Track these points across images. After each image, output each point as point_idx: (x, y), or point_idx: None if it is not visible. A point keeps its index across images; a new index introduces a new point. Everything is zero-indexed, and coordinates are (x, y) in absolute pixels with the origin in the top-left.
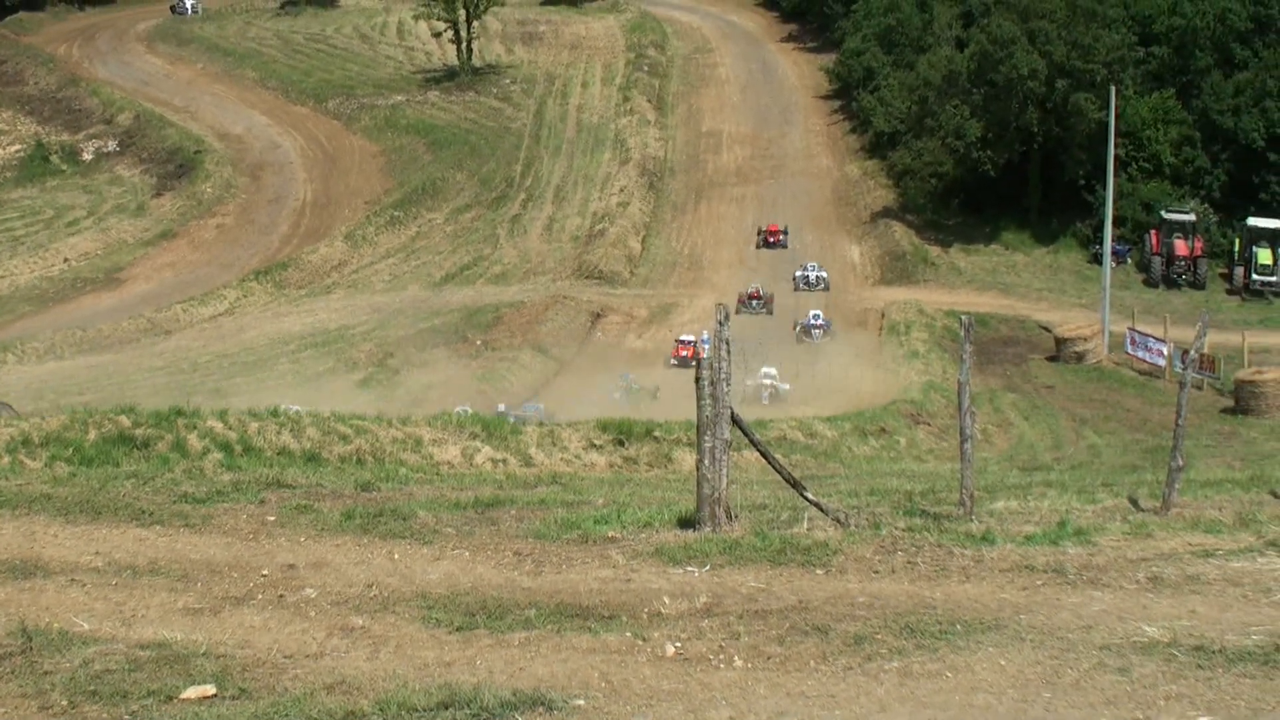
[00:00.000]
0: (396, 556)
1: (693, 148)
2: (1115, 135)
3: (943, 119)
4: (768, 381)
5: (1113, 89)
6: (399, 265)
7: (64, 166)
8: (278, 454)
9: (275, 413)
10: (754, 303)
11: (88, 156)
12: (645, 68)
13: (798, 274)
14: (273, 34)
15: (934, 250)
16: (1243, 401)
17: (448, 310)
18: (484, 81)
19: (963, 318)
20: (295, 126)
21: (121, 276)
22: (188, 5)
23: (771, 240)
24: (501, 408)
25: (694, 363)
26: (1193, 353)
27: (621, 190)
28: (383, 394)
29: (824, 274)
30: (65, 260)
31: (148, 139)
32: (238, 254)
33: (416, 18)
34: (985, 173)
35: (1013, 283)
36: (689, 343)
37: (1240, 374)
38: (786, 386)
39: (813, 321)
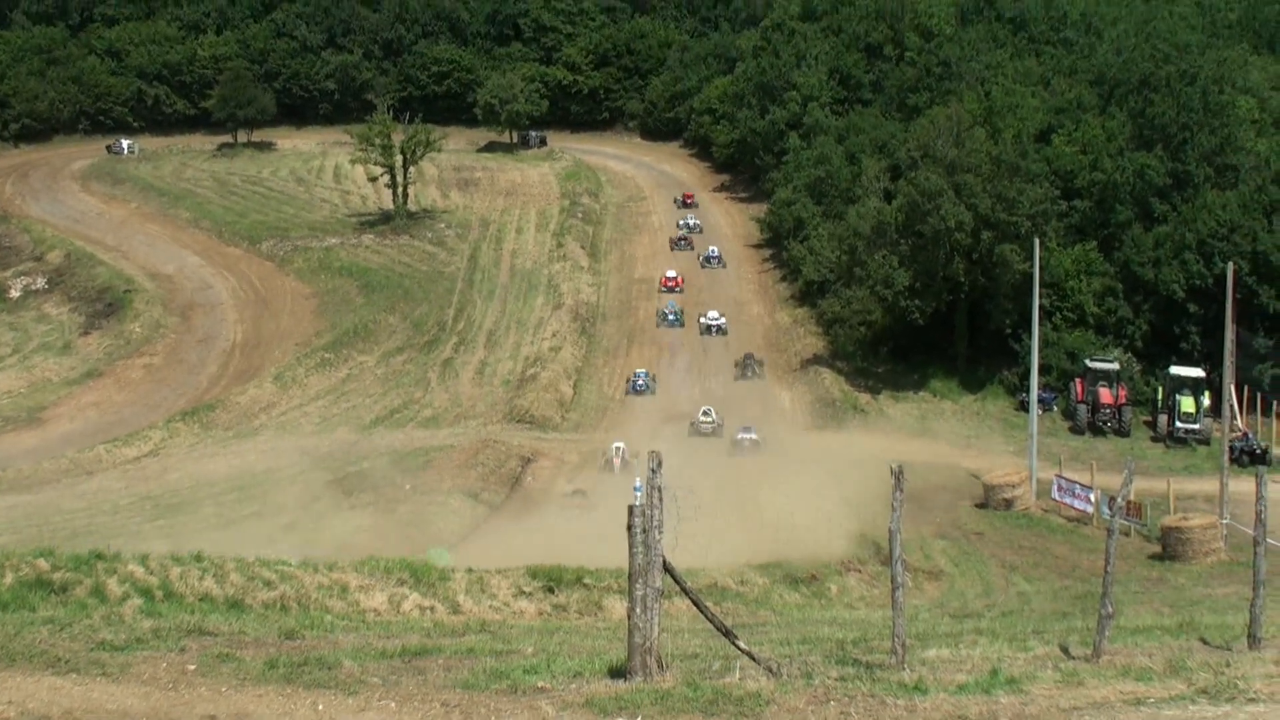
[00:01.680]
0: (320, 708)
1: (625, 294)
2: (1040, 285)
3: (872, 268)
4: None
5: (1036, 241)
6: (329, 407)
7: None
8: (199, 600)
9: (198, 558)
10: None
11: (15, 294)
12: (579, 215)
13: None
14: (209, 175)
15: (864, 397)
16: (1169, 547)
17: (377, 454)
18: (419, 226)
19: (893, 465)
20: (228, 267)
21: (44, 416)
22: (124, 145)
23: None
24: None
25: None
26: (1119, 499)
27: (554, 335)
28: (309, 539)
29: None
30: None
31: (77, 277)
32: (165, 394)
33: (353, 162)
34: (914, 321)
35: (941, 429)
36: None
37: (1166, 520)
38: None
39: (743, 434)
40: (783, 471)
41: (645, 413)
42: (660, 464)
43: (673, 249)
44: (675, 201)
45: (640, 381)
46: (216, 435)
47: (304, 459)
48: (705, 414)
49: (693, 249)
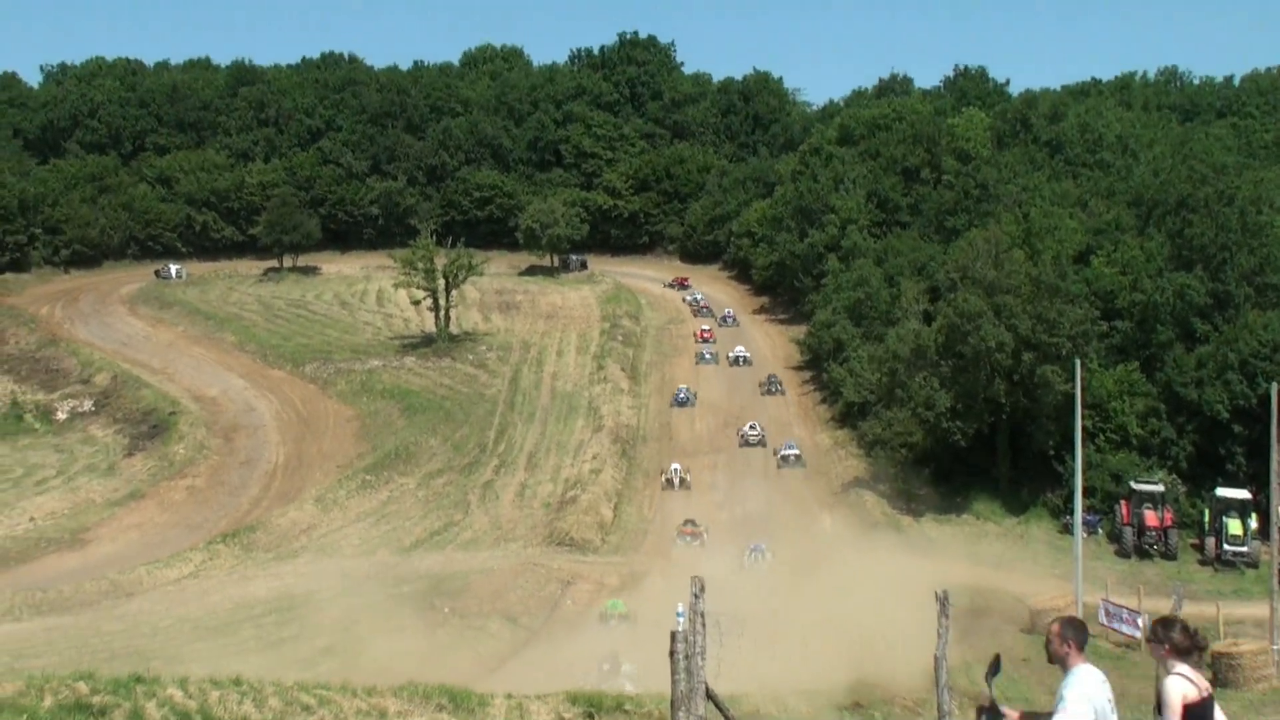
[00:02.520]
0: None
1: (665, 416)
2: (1082, 407)
3: (912, 390)
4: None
5: (1078, 362)
6: (369, 530)
7: (37, 425)
8: None
9: (237, 681)
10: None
11: (62, 416)
12: (619, 337)
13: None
14: (254, 299)
15: (906, 519)
16: (1220, 674)
17: (416, 577)
18: (461, 348)
19: (938, 591)
20: (272, 389)
21: (87, 537)
22: (172, 270)
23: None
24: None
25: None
26: None
27: (594, 457)
28: (348, 662)
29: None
30: (31, 519)
31: (123, 399)
32: (206, 516)
33: (396, 285)
34: (955, 443)
35: (985, 552)
36: None
37: (1216, 646)
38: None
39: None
40: (826, 595)
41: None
42: (703, 589)
43: (697, 360)
44: (668, 285)
45: (682, 394)
46: (257, 557)
47: (344, 581)
48: (752, 427)
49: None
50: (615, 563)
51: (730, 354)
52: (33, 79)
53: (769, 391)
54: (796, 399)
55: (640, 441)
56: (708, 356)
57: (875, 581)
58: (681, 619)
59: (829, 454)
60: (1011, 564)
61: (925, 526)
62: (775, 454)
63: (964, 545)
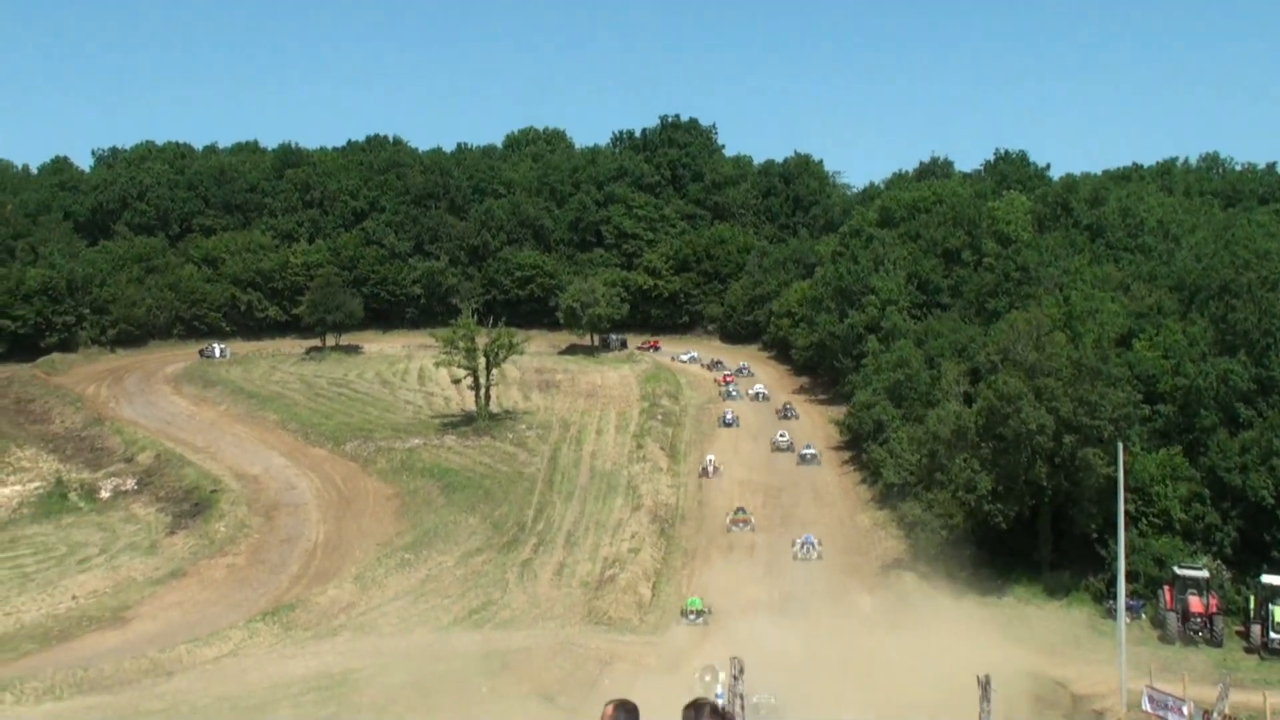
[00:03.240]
0: None
1: (704, 495)
2: (1124, 490)
3: (953, 472)
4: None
5: (1120, 445)
6: (408, 608)
7: (81, 504)
8: None
9: None
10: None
11: (105, 494)
12: (659, 416)
13: None
14: (297, 378)
15: (946, 601)
16: None
17: (454, 655)
18: (501, 427)
19: (979, 675)
20: (313, 468)
21: (128, 615)
22: (216, 350)
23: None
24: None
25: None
26: (1215, 714)
27: (633, 536)
28: None
29: None
30: (73, 598)
31: (166, 478)
32: (246, 594)
33: (437, 364)
34: (996, 525)
35: (1026, 636)
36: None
37: None
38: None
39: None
40: (864, 676)
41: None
42: (742, 670)
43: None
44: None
45: (729, 416)
46: (296, 635)
47: (382, 660)
48: (782, 435)
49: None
50: (654, 642)
51: (778, 438)
52: (84, 162)
53: (804, 461)
54: (835, 479)
55: (679, 521)
56: (733, 393)
57: (915, 664)
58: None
59: (869, 535)
60: (1053, 648)
61: (966, 609)
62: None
63: (1005, 628)
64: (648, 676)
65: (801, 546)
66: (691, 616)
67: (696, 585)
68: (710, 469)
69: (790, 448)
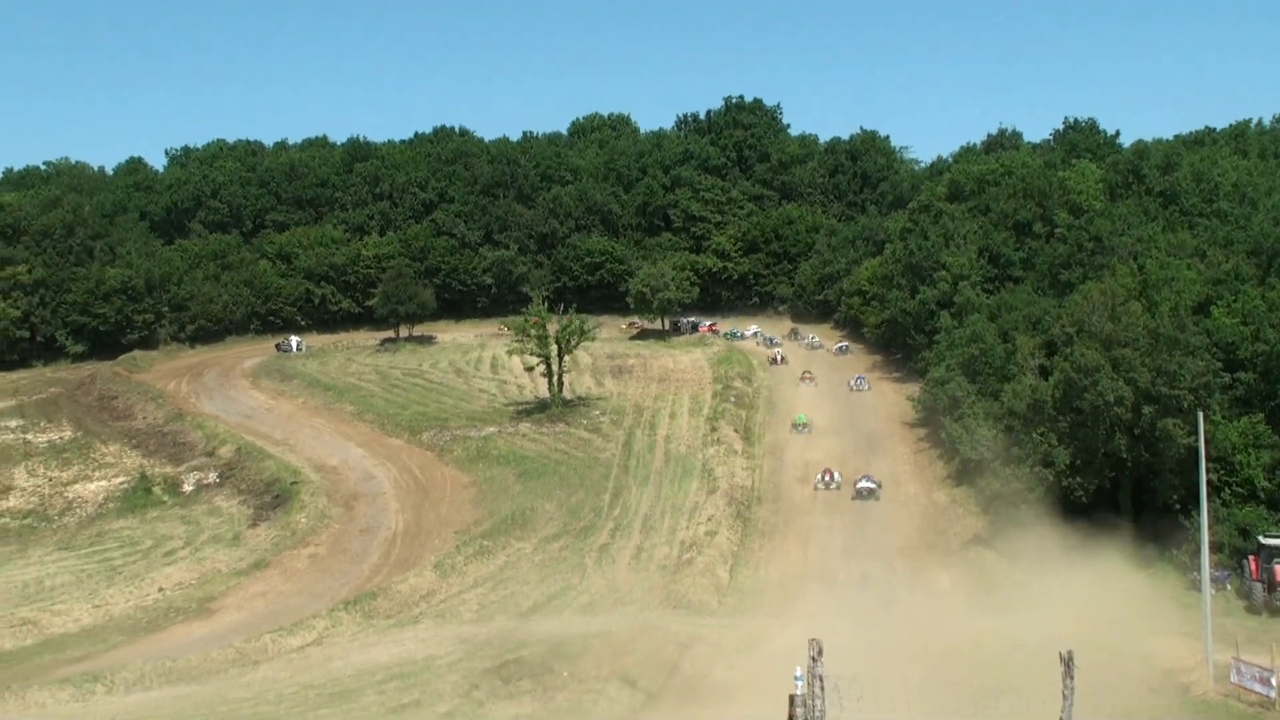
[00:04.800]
0: None
1: (779, 477)
2: (1206, 460)
3: (1030, 446)
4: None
5: (1200, 415)
6: (487, 595)
7: (165, 498)
8: None
9: None
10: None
11: (188, 488)
12: (732, 399)
13: None
14: (372, 369)
15: (1026, 578)
16: None
17: (534, 641)
18: (574, 413)
19: (1062, 651)
20: (390, 458)
21: (213, 606)
22: (293, 344)
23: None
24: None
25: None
26: None
27: (709, 519)
28: None
29: None
30: (160, 590)
31: (247, 471)
32: (328, 584)
33: (510, 353)
34: (1076, 499)
35: (1109, 611)
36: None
37: None
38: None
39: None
40: (945, 655)
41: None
42: (821, 652)
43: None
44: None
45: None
46: (378, 624)
47: (463, 647)
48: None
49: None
50: (733, 624)
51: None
52: (158, 163)
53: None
54: (911, 456)
55: (755, 503)
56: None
57: (996, 641)
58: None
59: (946, 512)
60: (1137, 622)
61: (1047, 584)
62: (853, 486)
63: (1088, 603)
64: (728, 658)
65: (863, 487)
66: (800, 428)
67: (773, 564)
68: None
69: (875, 495)
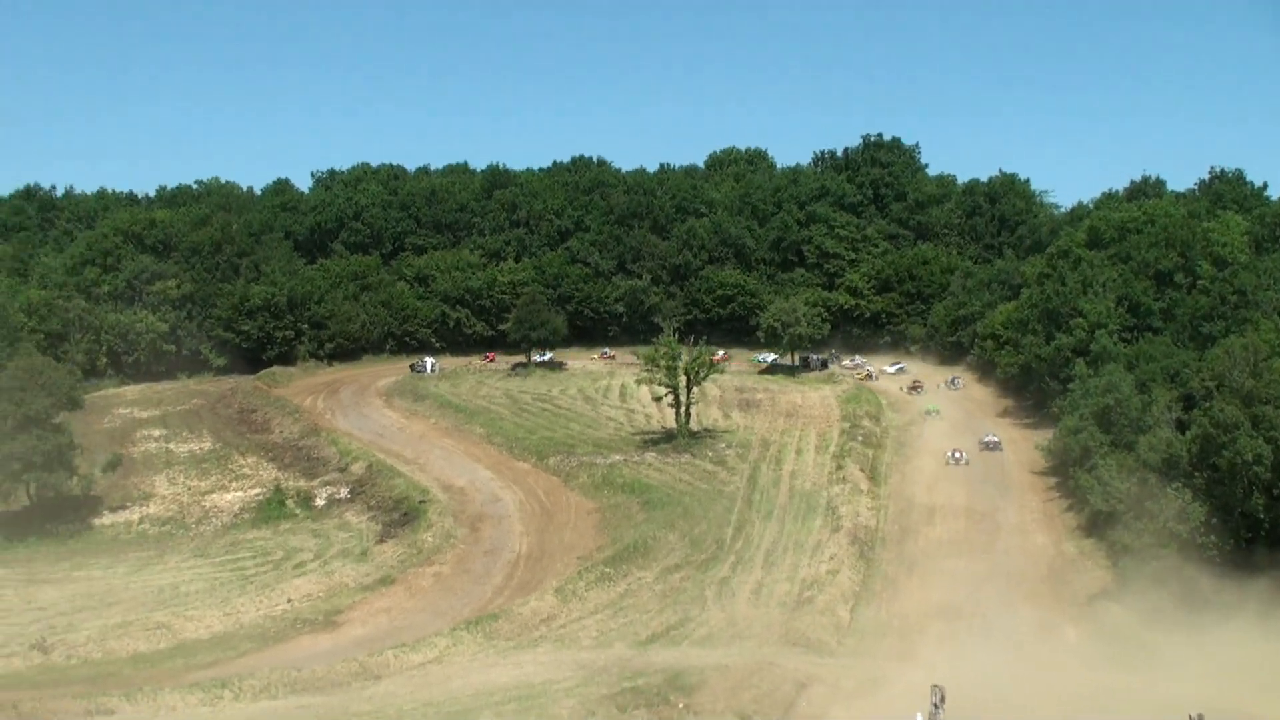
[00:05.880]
0: None
1: (905, 518)
2: None
3: (1164, 501)
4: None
5: None
6: (606, 622)
7: (297, 511)
8: None
9: None
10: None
11: (320, 502)
12: (859, 437)
13: None
14: (502, 393)
15: (1157, 636)
16: None
17: (652, 670)
18: (700, 445)
19: (1191, 715)
20: (516, 481)
21: (339, 619)
22: (427, 365)
23: None
24: None
25: None
26: None
27: (832, 558)
28: None
29: None
30: (289, 600)
31: (377, 488)
32: (451, 603)
33: (639, 382)
34: (1210, 557)
35: (1241, 674)
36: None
37: None
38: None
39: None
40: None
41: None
42: (944, 699)
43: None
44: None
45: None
46: (498, 645)
47: (581, 672)
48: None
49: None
50: (851, 666)
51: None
52: (303, 184)
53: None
54: (1040, 505)
55: (879, 544)
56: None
57: (1122, 698)
58: None
59: (1074, 563)
60: (1271, 687)
61: (1176, 644)
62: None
63: (1218, 665)
64: (846, 700)
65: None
66: (931, 414)
67: (895, 607)
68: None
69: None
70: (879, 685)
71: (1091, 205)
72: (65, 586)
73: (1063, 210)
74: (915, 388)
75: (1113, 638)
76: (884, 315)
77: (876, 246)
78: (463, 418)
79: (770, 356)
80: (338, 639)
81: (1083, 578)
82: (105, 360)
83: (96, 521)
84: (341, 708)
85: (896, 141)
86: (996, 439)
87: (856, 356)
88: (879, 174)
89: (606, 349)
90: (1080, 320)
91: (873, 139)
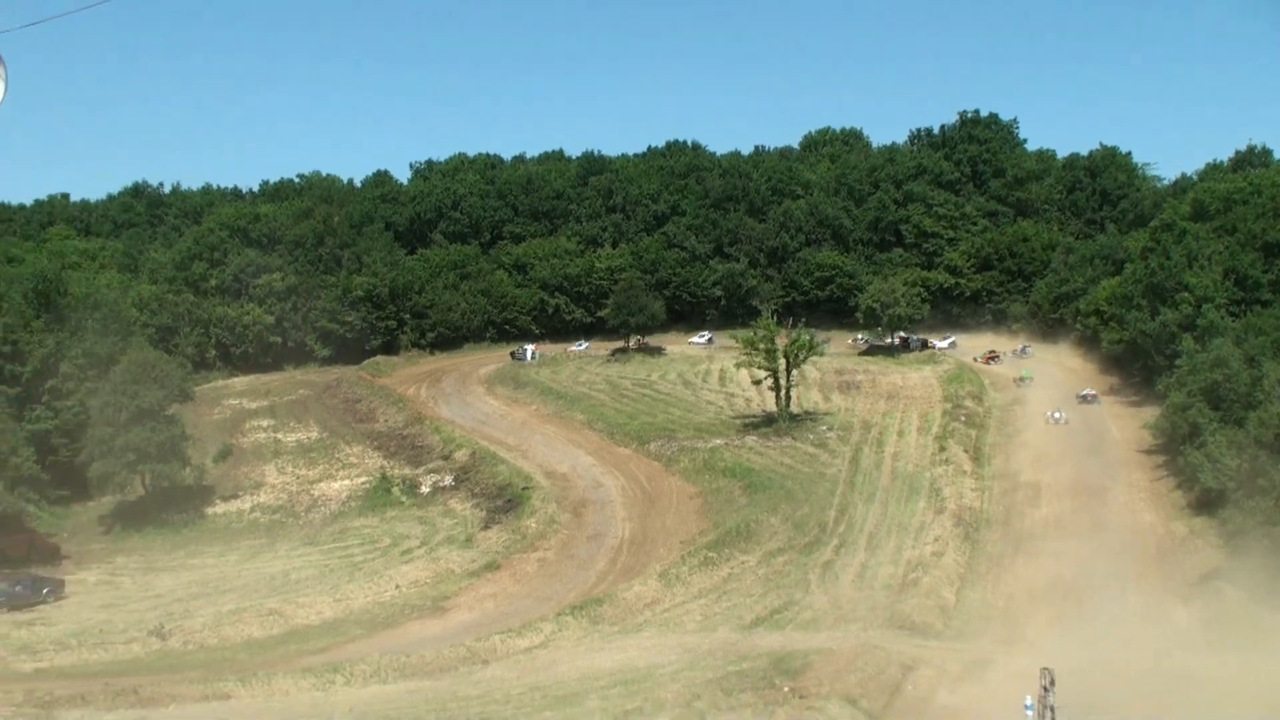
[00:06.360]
0: None
1: (1010, 499)
2: None
3: (1276, 478)
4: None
5: None
6: (710, 606)
7: (403, 498)
8: None
9: None
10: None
11: (425, 489)
12: (962, 418)
13: None
14: (602, 379)
15: (1271, 617)
16: None
17: (756, 654)
18: (801, 428)
19: None
20: (618, 466)
21: (447, 605)
22: (527, 352)
23: None
24: None
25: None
26: None
27: (936, 540)
28: None
29: None
30: (396, 587)
31: (481, 475)
32: (556, 588)
33: (738, 365)
34: None
35: None
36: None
37: None
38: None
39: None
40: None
41: None
42: (1053, 682)
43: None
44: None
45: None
46: (603, 630)
47: (685, 656)
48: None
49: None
50: (958, 648)
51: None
52: (402, 176)
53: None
54: (1147, 484)
55: (984, 525)
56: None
57: (1238, 684)
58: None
59: (1184, 542)
60: None
61: None
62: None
63: None
64: (953, 683)
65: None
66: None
67: (1002, 589)
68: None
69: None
70: (986, 668)
71: (1195, 177)
72: (181, 574)
73: (1166, 183)
74: (992, 358)
75: (1225, 619)
76: (984, 293)
77: (975, 224)
78: (563, 404)
79: (863, 337)
80: (445, 624)
81: (1193, 557)
82: (214, 352)
83: (209, 510)
84: (450, 692)
85: (994, 117)
86: (1093, 392)
87: (951, 336)
88: (976, 151)
89: (703, 334)
90: (1186, 295)
91: (969, 115)
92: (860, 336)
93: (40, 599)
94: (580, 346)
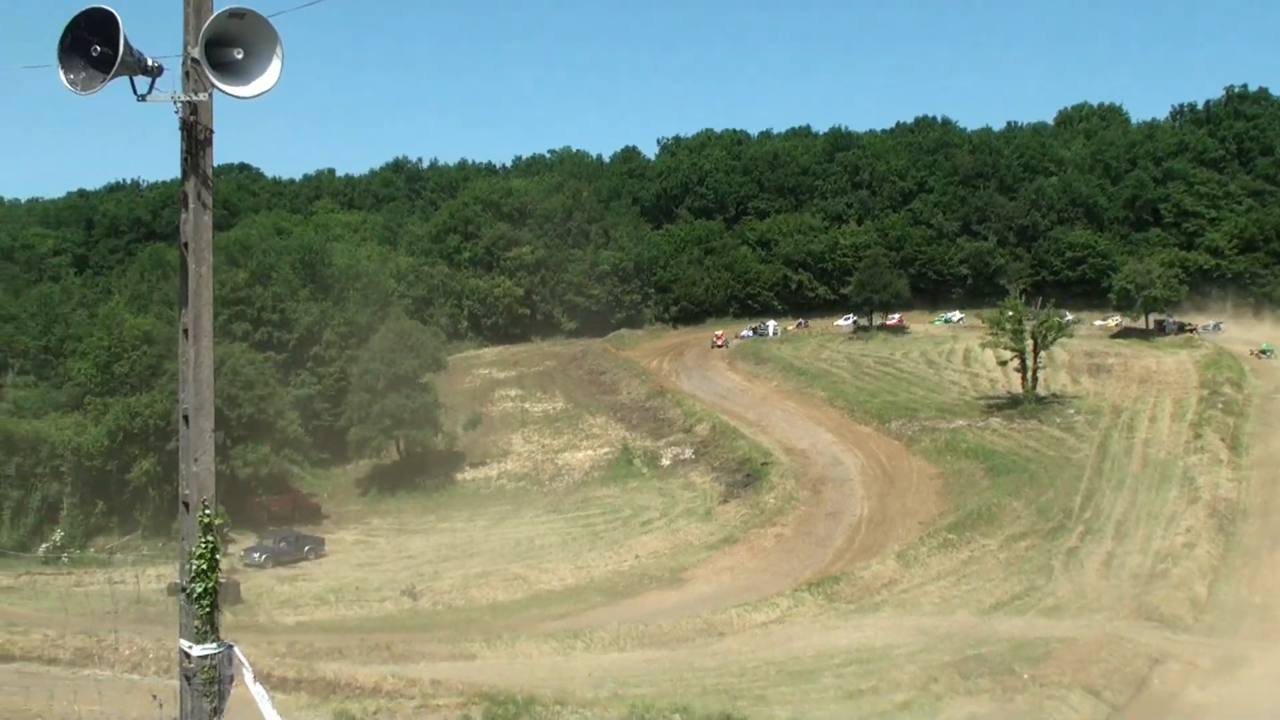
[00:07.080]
0: None
1: (1269, 492)
2: None
3: None
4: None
5: None
6: (949, 589)
7: (644, 470)
8: None
9: None
10: None
11: (665, 462)
12: (1219, 405)
13: None
14: (844, 356)
15: None
16: None
17: (995, 639)
18: (1047, 411)
19: None
20: (858, 445)
21: (684, 577)
22: (769, 328)
23: None
24: None
25: None
26: None
27: (1188, 530)
28: None
29: None
30: (636, 557)
31: (720, 449)
32: (792, 564)
33: (984, 346)
34: None
35: None
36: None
37: None
38: None
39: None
40: None
41: None
42: None
43: None
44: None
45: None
46: (839, 608)
47: (922, 638)
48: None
49: None
50: (1209, 644)
51: None
52: (650, 151)
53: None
54: None
55: (1240, 517)
56: None
57: None
58: None
59: None
60: None
61: None
62: None
63: None
64: (1202, 679)
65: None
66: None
67: (1259, 583)
68: None
69: None
70: (1239, 665)
71: None
72: (431, 537)
73: None
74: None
75: None
76: (1248, 276)
77: (1240, 204)
78: (804, 381)
79: (1116, 318)
80: (683, 595)
81: None
82: (466, 323)
83: (459, 476)
84: (687, 662)
85: (1263, 92)
86: None
87: (1215, 322)
88: (1243, 127)
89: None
90: None
91: (1236, 90)
92: (1114, 319)
93: (303, 556)
94: (847, 322)
